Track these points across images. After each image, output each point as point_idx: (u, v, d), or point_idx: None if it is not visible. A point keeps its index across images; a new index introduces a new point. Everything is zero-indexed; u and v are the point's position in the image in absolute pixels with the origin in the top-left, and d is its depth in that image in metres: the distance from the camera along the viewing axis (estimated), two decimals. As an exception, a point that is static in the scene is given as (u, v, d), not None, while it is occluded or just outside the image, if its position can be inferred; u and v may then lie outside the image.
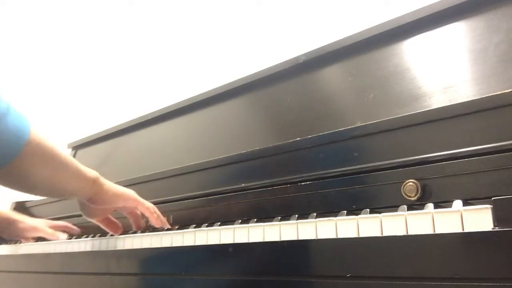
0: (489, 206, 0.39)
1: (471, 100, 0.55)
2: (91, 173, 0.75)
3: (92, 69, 2.05)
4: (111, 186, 0.79)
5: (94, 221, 0.87)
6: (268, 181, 0.72)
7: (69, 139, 1.51)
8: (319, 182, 0.64)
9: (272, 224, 0.56)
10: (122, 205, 0.83)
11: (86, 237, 0.94)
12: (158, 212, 0.86)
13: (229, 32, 1.57)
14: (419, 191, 0.53)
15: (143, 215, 0.85)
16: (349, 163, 0.62)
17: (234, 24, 1.56)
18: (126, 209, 0.86)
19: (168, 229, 0.80)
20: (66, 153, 0.71)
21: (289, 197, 0.67)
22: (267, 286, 0.52)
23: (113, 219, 0.88)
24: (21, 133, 0.60)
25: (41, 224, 1.08)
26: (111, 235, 0.86)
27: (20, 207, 1.32)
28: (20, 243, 1.11)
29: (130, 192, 0.82)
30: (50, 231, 1.05)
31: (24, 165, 0.62)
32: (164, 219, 0.85)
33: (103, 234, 0.91)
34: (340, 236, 0.48)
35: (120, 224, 0.89)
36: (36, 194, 0.75)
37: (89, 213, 0.84)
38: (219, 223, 0.70)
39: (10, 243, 1.15)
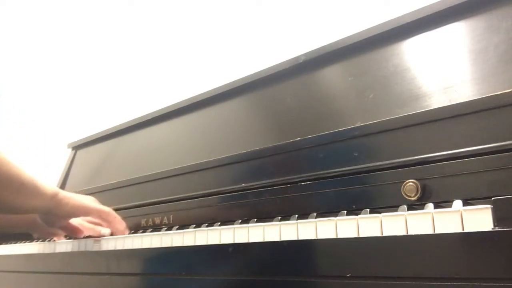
0: (489, 206, 0.39)
1: (471, 100, 0.55)
2: (50, 189, 0.76)
3: (92, 69, 2.05)
4: (71, 199, 0.80)
5: (54, 229, 0.88)
6: (268, 181, 0.72)
7: (69, 139, 1.51)
8: (319, 182, 0.64)
9: (272, 224, 0.56)
10: (83, 216, 0.85)
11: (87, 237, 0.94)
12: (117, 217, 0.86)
13: (229, 32, 1.57)
14: (419, 191, 0.53)
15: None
16: (349, 163, 0.62)
17: (234, 24, 1.56)
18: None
19: (168, 229, 0.80)
20: (23, 172, 0.72)
21: (289, 197, 0.67)
22: (267, 286, 0.52)
23: (74, 224, 0.88)
24: None
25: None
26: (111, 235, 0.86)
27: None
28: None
29: (89, 203, 0.82)
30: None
31: None
32: (124, 223, 0.85)
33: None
34: (340, 236, 0.48)
35: (81, 228, 0.89)
36: None
37: (49, 222, 0.85)
38: (219, 223, 0.70)
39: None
